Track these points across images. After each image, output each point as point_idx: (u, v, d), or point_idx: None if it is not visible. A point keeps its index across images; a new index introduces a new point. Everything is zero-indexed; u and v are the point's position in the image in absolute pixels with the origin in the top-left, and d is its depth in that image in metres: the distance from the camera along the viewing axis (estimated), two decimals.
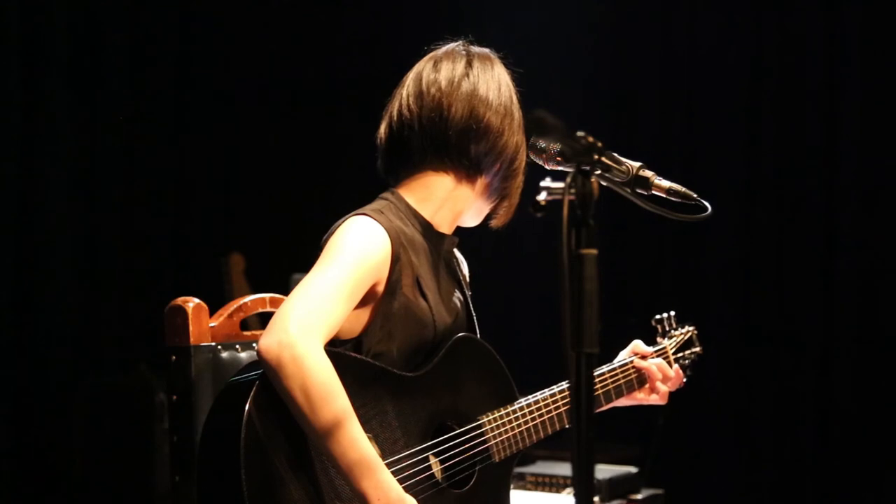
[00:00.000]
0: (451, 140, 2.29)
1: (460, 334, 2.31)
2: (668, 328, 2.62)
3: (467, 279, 2.48)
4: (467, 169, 2.32)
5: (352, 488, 2.06)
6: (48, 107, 4.75)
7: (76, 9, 4.84)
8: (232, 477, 2.05)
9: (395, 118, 2.34)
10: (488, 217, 2.44)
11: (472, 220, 2.42)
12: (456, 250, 2.46)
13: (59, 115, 4.78)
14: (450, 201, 2.34)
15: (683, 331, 2.63)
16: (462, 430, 2.25)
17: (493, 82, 2.34)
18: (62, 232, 4.78)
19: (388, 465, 2.10)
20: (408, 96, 2.33)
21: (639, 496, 4.01)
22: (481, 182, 2.35)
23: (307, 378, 2.01)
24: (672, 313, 2.62)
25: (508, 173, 2.35)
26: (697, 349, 2.63)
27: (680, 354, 2.59)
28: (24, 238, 4.67)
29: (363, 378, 2.14)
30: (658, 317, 2.61)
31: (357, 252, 2.15)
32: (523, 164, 2.36)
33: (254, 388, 2.06)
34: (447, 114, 2.30)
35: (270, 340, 2.03)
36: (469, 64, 2.34)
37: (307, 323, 2.05)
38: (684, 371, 2.58)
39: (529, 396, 2.35)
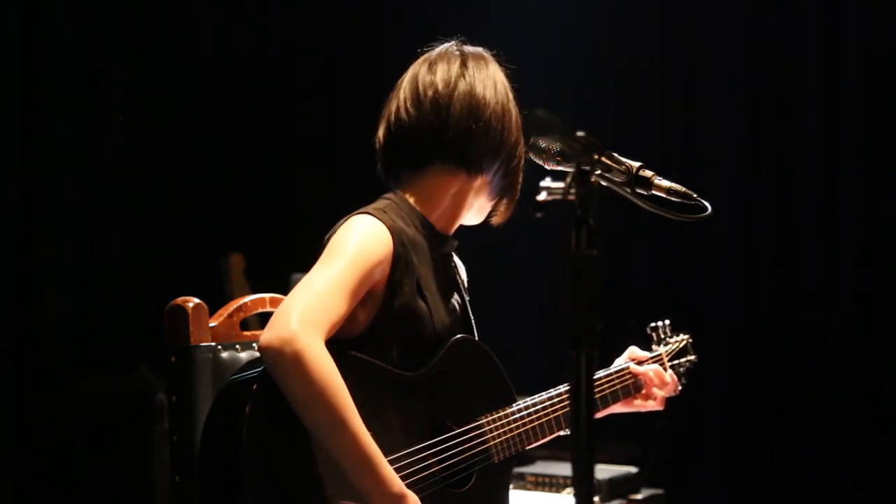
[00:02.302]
0: (451, 140, 2.30)
1: (459, 335, 2.31)
2: (663, 336, 2.62)
3: (465, 283, 2.48)
4: (468, 168, 2.32)
5: (354, 484, 2.06)
6: (49, 106, 4.75)
7: (76, 9, 4.84)
8: (233, 476, 2.06)
9: (393, 121, 2.34)
10: (489, 214, 2.44)
11: (473, 218, 2.42)
12: (455, 255, 2.46)
13: (59, 115, 4.78)
14: (451, 201, 2.34)
15: (678, 339, 2.63)
16: (461, 430, 2.25)
17: (488, 81, 2.34)
18: (62, 232, 4.78)
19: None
20: (405, 99, 2.33)
21: (639, 496, 4.01)
22: (482, 181, 2.35)
23: (309, 374, 2.02)
24: (667, 321, 2.62)
25: (509, 171, 2.36)
26: (692, 357, 2.63)
27: (675, 362, 2.60)
28: (25, 238, 4.67)
29: (363, 377, 2.14)
30: (653, 324, 2.62)
31: (359, 250, 2.16)
32: (522, 160, 2.37)
33: (254, 386, 2.06)
34: (445, 115, 2.30)
35: (271, 336, 2.03)
36: (464, 64, 2.34)
37: (308, 319, 2.05)
38: (680, 379, 2.58)
39: (529, 399, 2.35)
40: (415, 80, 2.34)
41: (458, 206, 2.36)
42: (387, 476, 2.06)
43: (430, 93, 2.31)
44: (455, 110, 2.30)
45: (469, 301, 2.45)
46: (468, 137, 2.30)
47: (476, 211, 2.40)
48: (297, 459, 2.07)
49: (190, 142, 5.37)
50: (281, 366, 2.02)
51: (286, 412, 2.05)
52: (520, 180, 2.40)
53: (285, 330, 2.03)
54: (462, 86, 2.32)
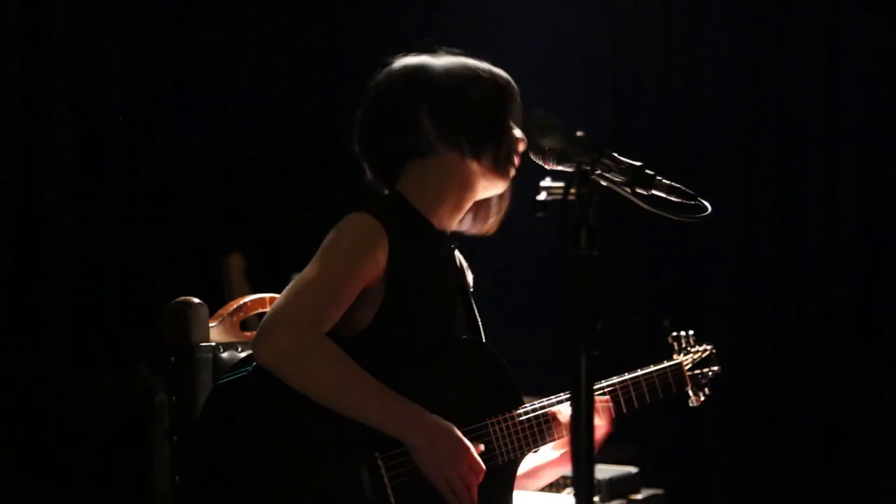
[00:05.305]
0: (423, 135, 2.29)
1: (465, 336, 2.31)
2: (685, 345, 2.58)
3: (471, 285, 2.48)
4: (451, 155, 2.31)
5: (399, 440, 2.10)
6: (49, 106, 4.75)
7: (76, 8, 4.84)
8: (226, 476, 2.07)
9: (366, 129, 2.35)
10: (486, 215, 2.43)
11: (472, 221, 2.41)
12: (460, 256, 2.46)
13: (59, 115, 4.77)
14: (446, 194, 2.33)
15: (701, 348, 2.58)
16: (464, 430, 2.23)
17: (448, 66, 2.33)
18: (62, 231, 4.78)
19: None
20: (371, 108, 2.34)
21: (639, 496, 4.01)
22: (472, 165, 2.32)
23: (313, 372, 2.07)
24: (691, 332, 2.59)
25: (494, 143, 2.31)
26: (716, 368, 2.57)
27: (697, 371, 2.55)
28: (24, 237, 4.67)
29: None
30: (675, 334, 2.58)
31: (352, 248, 2.17)
32: (510, 132, 2.34)
33: (244, 386, 2.08)
34: (408, 113, 2.30)
35: (266, 342, 2.06)
36: (419, 62, 2.34)
37: (300, 319, 2.07)
38: (702, 389, 2.54)
39: (536, 402, 2.34)
40: (377, 88, 2.35)
41: (454, 198, 2.33)
42: (425, 419, 2.12)
43: (390, 96, 2.32)
44: (416, 106, 2.29)
45: (473, 301, 2.45)
46: (438, 128, 2.29)
47: (472, 202, 2.38)
48: (291, 457, 2.07)
49: (190, 141, 5.37)
50: (282, 371, 2.06)
51: (278, 410, 2.07)
52: (511, 153, 2.35)
53: (280, 334, 2.06)
54: (419, 81, 2.31)
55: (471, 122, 2.31)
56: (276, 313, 2.09)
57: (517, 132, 2.37)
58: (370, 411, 2.09)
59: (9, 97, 4.59)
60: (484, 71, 2.35)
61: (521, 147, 2.37)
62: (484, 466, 2.19)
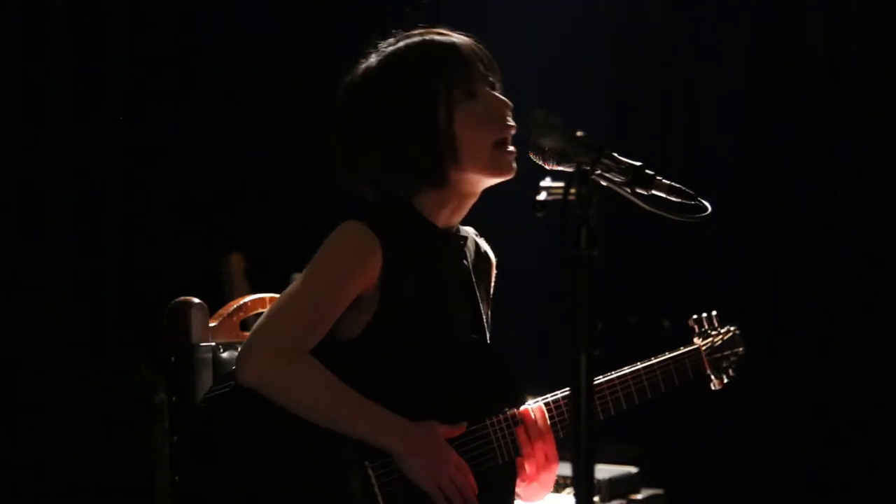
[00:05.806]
0: (392, 157, 2.28)
1: (466, 337, 2.30)
2: (706, 327, 2.50)
3: (493, 276, 2.46)
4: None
5: (385, 450, 2.11)
6: (48, 105, 4.74)
7: (77, 8, 4.84)
8: (216, 489, 2.08)
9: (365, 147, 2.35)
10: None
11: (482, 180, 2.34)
12: (478, 241, 2.44)
13: (59, 114, 4.77)
14: (449, 201, 2.31)
15: (723, 330, 2.50)
16: (466, 430, 2.23)
17: (363, 85, 2.48)
18: (62, 231, 4.78)
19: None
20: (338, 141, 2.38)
21: (639, 496, 4.01)
22: (456, 182, 2.28)
23: (293, 392, 2.08)
24: (714, 313, 2.51)
25: (451, 162, 2.25)
26: (739, 349, 2.49)
27: (717, 354, 2.47)
28: (24, 237, 4.67)
29: (363, 380, 2.14)
30: (696, 317, 2.51)
31: (342, 262, 2.17)
32: (454, 137, 2.26)
33: (233, 398, 2.09)
34: (365, 144, 2.32)
35: (246, 364, 2.07)
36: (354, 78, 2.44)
37: (282, 338, 2.08)
38: (724, 372, 2.47)
39: (539, 399, 2.33)
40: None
41: (454, 204, 2.31)
42: (404, 423, 2.12)
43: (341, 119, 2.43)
44: (358, 130, 2.37)
45: (488, 299, 2.43)
46: (390, 146, 2.28)
47: (477, 197, 2.35)
48: (283, 469, 2.08)
49: (190, 141, 5.36)
50: (267, 390, 2.07)
51: (267, 423, 2.08)
52: (496, 158, 2.26)
53: (261, 355, 2.07)
54: (347, 106, 2.46)
55: (416, 124, 2.27)
56: (258, 332, 2.09)
57: (487, 98, 2.28)
58: (353, 425, 2.09)
59: (9, 98, 4.58)
60: (410, 75, 2.44)
61: (507, 113, 2.27)
62: (466, 463, 2.18)
